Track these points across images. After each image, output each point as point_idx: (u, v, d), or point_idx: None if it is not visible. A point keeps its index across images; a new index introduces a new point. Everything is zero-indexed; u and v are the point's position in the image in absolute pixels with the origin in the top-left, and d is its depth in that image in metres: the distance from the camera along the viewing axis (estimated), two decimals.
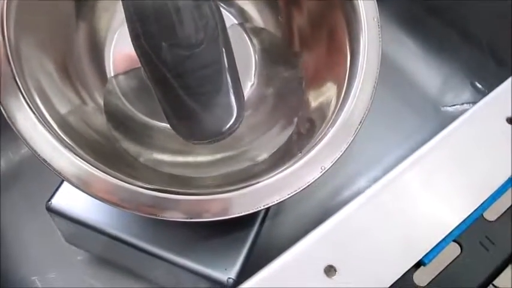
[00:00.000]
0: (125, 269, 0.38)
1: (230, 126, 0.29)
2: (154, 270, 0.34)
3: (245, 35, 0.36)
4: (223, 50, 0.28)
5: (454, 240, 0.27)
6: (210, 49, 0.27)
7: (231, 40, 0.29)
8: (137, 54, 0.28)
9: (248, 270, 0.30)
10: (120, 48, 0.34)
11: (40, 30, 0.29)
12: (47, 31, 0.30)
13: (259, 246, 0.32)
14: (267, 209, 0.31)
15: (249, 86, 0.35)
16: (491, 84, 0.45)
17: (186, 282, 0.32)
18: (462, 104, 0.46)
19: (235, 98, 0.29)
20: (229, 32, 0.29)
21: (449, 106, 0.46)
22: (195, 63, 0.27)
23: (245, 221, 0.31)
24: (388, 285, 0.25)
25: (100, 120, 0.31)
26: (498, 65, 0.44)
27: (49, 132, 0.25)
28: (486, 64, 0.45)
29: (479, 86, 0.47)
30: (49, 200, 0.31)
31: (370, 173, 0.43)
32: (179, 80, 0.27)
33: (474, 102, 0.46)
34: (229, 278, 0.30)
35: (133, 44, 0.27)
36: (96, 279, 0.38)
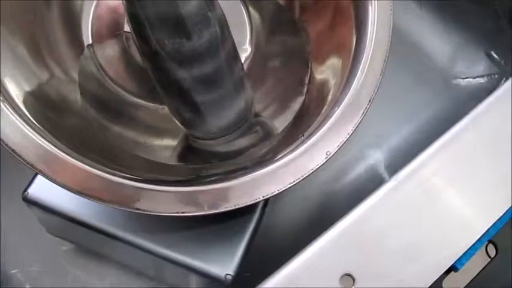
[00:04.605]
0: (112, 260, 0.36)
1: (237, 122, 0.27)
2: (145, 265, 0.32)
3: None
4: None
5: (489, 241, 0.24)
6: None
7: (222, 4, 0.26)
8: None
9: (247, 264, 0.28)
10: (100, 17, 0.32)
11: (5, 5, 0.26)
12: (13, 5, 0.27)
13: (256, 236, 0.29)
14: (267, 198, 0.29)
15: (244, 57, 0.33)
16: (509, 54, 0.42)
17: (179, 278, 0.30)
18: (475, 77, 0.43)
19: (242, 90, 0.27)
20: None
21: (462, 78, 0.43)
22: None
23: (243, 212, 0.29)
24: None
25: (74, 97, 0.29)
26: None
27: (15, 114, 0.23)
28: (504, 32, 0.42)
29: (495, 56, 0.43)
30: (25, 190, 0.29)
31: (376, 153, 0.41)
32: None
33: (489, 75, 0.43)
34: (227, 274, 0.28)
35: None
36: (82, 271, 0.36)
